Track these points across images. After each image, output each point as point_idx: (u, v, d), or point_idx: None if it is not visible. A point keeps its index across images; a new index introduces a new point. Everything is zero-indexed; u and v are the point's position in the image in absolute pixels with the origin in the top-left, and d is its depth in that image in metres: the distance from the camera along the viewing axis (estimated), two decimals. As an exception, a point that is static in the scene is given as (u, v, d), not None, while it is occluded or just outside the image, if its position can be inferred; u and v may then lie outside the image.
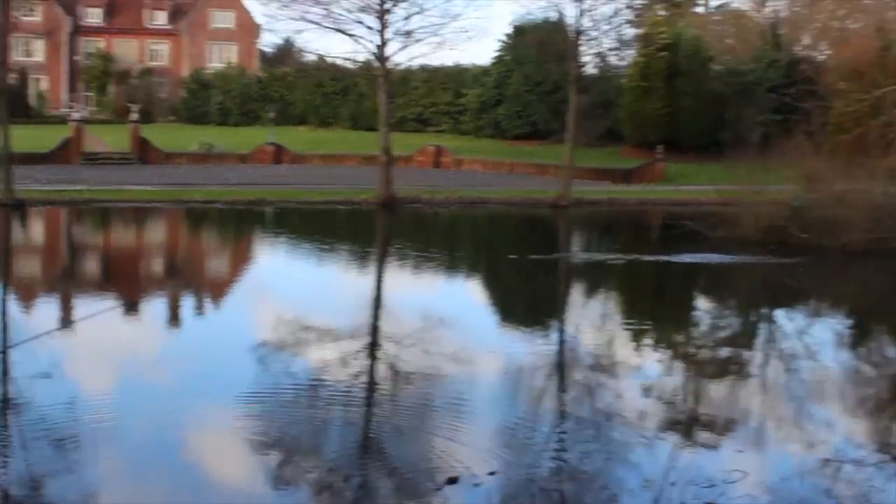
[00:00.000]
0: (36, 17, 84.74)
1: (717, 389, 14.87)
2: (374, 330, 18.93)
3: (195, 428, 12.32)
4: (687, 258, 27.48)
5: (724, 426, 12.74)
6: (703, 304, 23.55)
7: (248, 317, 20.14)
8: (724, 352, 17.94)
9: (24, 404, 12.85)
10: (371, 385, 14.46)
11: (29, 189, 39.64)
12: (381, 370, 15.46)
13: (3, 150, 37.09)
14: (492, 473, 10.48)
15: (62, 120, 77.18)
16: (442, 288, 24.28)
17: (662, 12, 70.15)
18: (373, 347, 17.18)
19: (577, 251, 32.90)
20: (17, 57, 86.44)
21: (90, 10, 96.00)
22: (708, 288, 25.16)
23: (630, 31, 69.52)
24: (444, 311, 20.47)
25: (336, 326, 18.19)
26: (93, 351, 16.34)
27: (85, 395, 13.32)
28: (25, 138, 55.69)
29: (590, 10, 41.99)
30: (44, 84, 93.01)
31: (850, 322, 21.41)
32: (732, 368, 16.48)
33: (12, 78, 72.86)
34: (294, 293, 22.46)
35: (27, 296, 21.64)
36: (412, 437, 11.97)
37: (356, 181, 46.99)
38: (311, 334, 17.75)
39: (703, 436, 12.28)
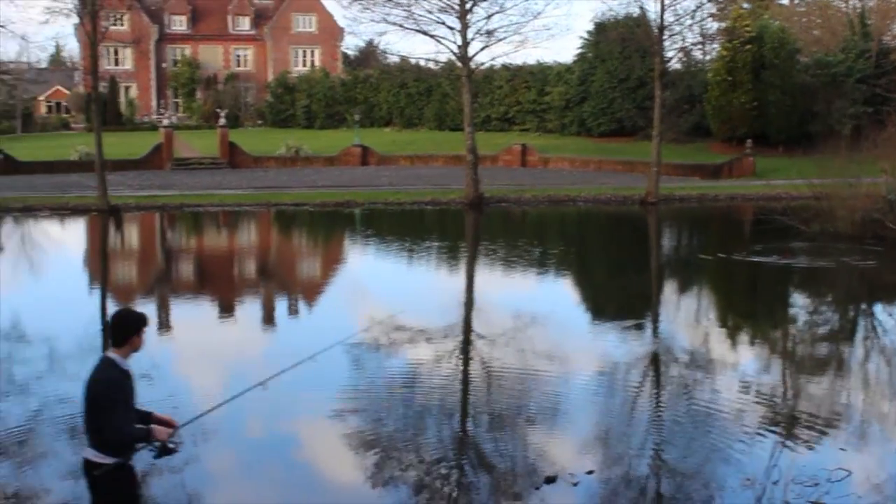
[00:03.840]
0: (123, 27, 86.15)
1: (818, 387, 14.62)
2: (470, 329, 18.96)
3: (295, 425, 12.48)
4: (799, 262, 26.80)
5: (826, 424, 12.55)
6: (802, 301, 23.18)
7: (349, 315, 20.23)
8: (824, 348, 17.70)
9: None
10: (467, 383, 14.50)
11: (122, 195, 40.45)
12: (478, 368, 15.49)
13: (98, 157, 37.85)
14: (590, 472, 10.45)
15: (152, 126, 78.74)
16: (535, 286, 24.21)
17: (746, 5, 69.38)
18: (469, 346, 17.24)
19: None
20: (106, 65, 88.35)
21: (175, 17, 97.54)
22: (809, 286, 24.67)
23: (714, 25, 68.95)
24: (537, 310, 20.44)
25: (436, 326, 18.26)
26: (196, 349, 16.63)
27: (188, 388, 13.56)
28: (117, 145, 57.09)
29: (672, 5, 41.70)
30: (133, 91, 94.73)
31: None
32: (834, 365, 16.25)
33: (103, 86, 74.43)
34: (393, 293, 22.65)
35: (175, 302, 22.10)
36: (510, 435, 11.98)
37: (443, 181, 47.18)
38: (412, 333, 17.80)
39: (806, 433, 12.10)
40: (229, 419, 12.59)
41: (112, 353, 7.09)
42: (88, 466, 7.05)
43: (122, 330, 7.13)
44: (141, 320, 7.23)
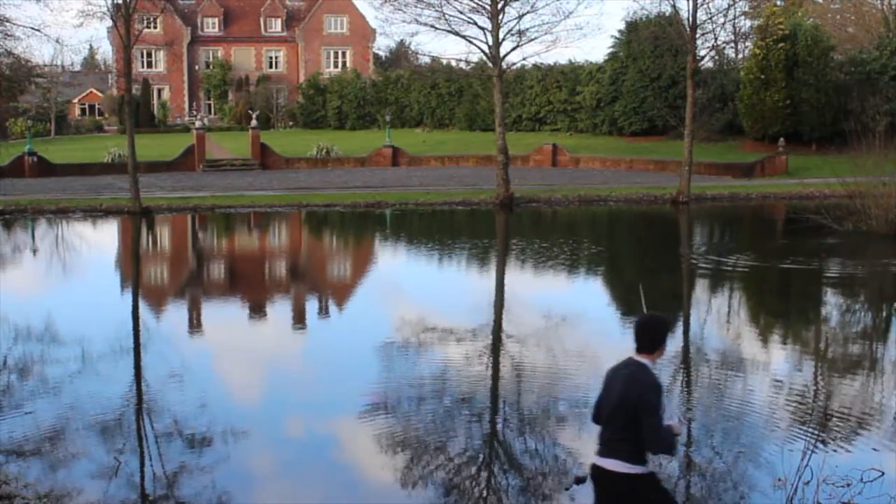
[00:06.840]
0: (156, 29, 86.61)
1: (850, 387, 14.48)
2: (501, 328, 18.91)
3: (325, 425, 12.51)
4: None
5: (859, 424, 12.44)
6: (833, 302, 22.98)
7: (389, 315, 20.25)
8: (855, 349, 17.56)
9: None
10: (497, 382, 14.48)
11: (154, 197, 40.65)
12: (508, 367, 15.47)
13: (131, 159, 38.04)
14: (620, 473, 10.39)
15: (185, 128, 79.23)
16: (565, 286, 24.14)
17: (780, 3, 68.96)
18: (499, 345, 17.23)
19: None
20: (139, 68, 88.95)
21: (208, 19, 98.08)
22: (841, 285, 24.44)
23: (747, 23, 68.57)
24: (567, 309, 20.39)
25: (470, 326, 18.29)
26: (233, 350, 16.72)
27: (223, 391, 13.63)
28: (150, 147, 57.56)
29: (705, 3, 41.43)
30: (166, 94, 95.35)
31: None
32: (866, 366, 16.12)
33: (136, 88, 74.97)
34: (428, 294, 22.71)
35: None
36: (540, 435, 11.95)
37: (474, 182, 47.18)
38: (448, 334, 17.82)
39: (838, 434, 12.00)
40: (261, 419, 12.66)
41: (642, 358, 6.95)
42: (612, 478, 7.03)
43: (658, 335, 7.01)
44: (669, 326, 7.09)
